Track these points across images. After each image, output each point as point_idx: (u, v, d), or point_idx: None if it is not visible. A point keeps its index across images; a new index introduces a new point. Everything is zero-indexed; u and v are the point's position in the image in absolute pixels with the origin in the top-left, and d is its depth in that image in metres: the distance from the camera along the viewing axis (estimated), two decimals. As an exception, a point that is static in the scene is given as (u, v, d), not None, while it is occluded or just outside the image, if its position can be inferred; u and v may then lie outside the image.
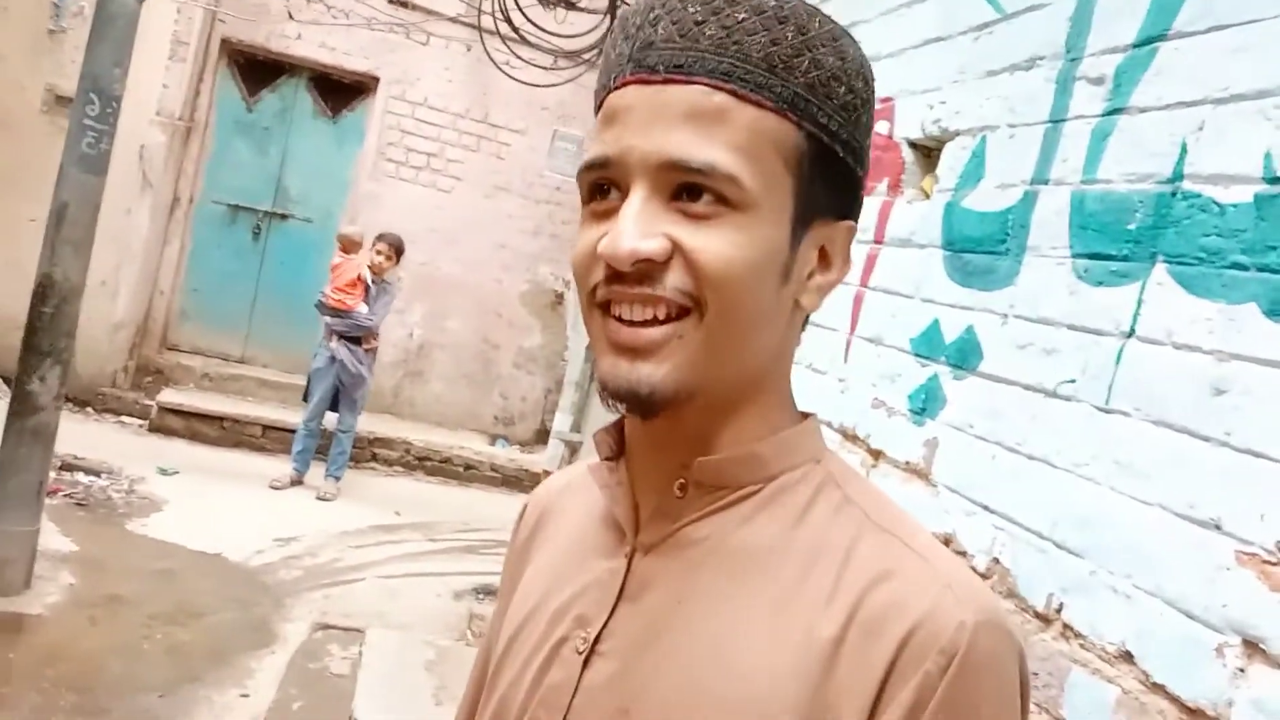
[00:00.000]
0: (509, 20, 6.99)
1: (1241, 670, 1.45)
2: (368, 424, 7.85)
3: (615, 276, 0.73)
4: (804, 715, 0.70)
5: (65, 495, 5.69)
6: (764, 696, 0.71)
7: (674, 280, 0.72)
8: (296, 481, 7.03)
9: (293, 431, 7.29)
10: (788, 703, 0.70)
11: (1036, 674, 1.79)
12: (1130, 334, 1.77)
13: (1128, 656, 1.64)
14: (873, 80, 0.80)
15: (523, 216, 8.93)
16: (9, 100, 7.37)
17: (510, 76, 7.72)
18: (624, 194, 0.74)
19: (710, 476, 0.79)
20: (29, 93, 7.41)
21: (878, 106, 0.85)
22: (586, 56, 7.17)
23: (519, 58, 7.35)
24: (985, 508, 2.05)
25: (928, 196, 2.51)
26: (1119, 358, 1.78)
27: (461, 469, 8.33)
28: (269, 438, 7.79)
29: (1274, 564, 1.43)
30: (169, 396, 7.75)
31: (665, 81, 0.73)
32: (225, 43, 8.25)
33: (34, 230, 4.85)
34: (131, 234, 7.68)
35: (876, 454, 2.49)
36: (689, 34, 0.73)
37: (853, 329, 2.66)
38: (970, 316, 2.22)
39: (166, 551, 5.33)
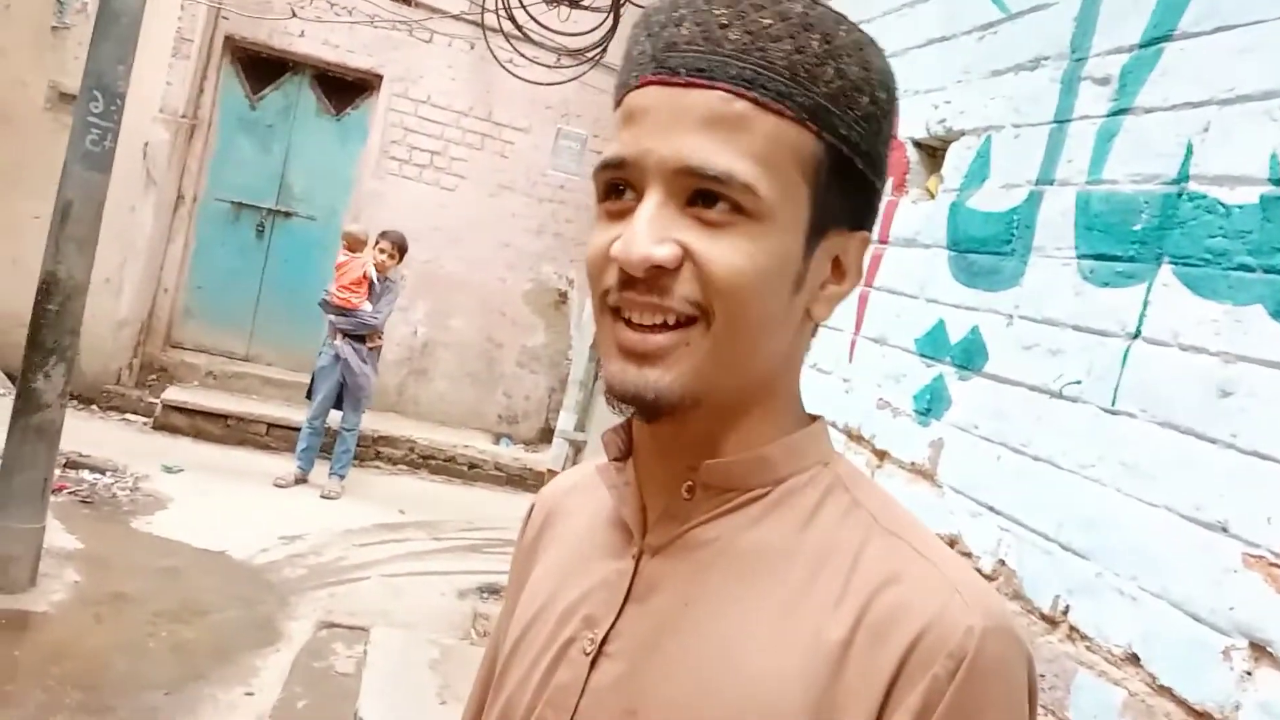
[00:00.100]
0: (512, 18, 6.99)
1: (1248, 673, 1.44)
2: (372, 422, 7.86)
3: (627, 283, 0.73)
4: (811, 718, 0.70)
5: (70, 493, 5.70)
6: (771, 699, 0.71)
7: (683, 290, 0.72)
8: (301, 480, 7.03)
9: (297, 430, 7.29)
10: (795, 705, 0.70)
11: (1043, 675, 1.79)
12: (1136, 335, 1.77)
13: (1134, 659, 1.64)
14: (895, 89, 0.79)
15: (526, 215, 8.93)
16: (12, 97, 7.37)
17: (514, 74, 7.72)
18: (639, 195, 0.74)
19: (718, 479, 0.79)
20: (32, 89, 7.42)
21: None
22: (590, 55, 7.17)
23: (523, 56, 7.34)
24: (991, 509, 2.05)
25: (933, 196, 2.50)
26: (1125, 359, 1.78)
27: (465, 468, 8.34)
28: (273, 436, 7.80)
29: (1280, 566, 1.43)
30: (173, 394, 7.76)
31: (686, 85, 0.72)
32: (229, 40, 8.25)
33: (38, 227, 4.86)
34: (136, 231, 7.69)
35: (881, 454, 2.49)
36: (713, 37, 0.72)
37: (858, 329, 2.66)
38: (975, 317, 2.22)
39: (171, 549, 5.34)
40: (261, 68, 8.50)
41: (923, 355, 2.38)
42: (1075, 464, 1.84)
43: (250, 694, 4.01)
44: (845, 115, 0.74)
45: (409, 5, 8.34)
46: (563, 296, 9.13)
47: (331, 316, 6.90)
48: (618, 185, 0.76)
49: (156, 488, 6.23)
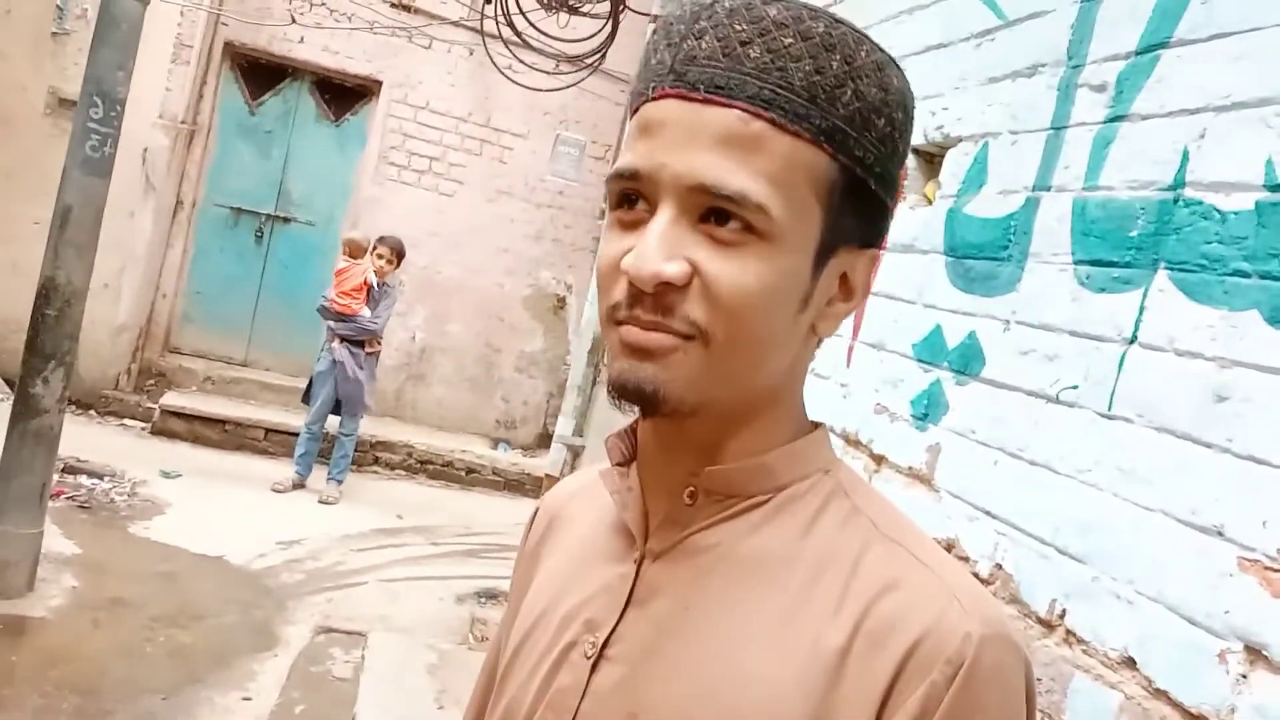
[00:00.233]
0: (511, 24, 7.00)
1: (1244, 677, 1.45)
2: (370, 427, 7.86)
3: (635, 300, 0.73)
4: None
5: (68, 498, 5.70)
6: (770, 704, 0.72)
7: (687, 309, 0.72)
8: (298, 485, 7.03)
9: (295, 435, 7.29)
10: (794, 711, 0.71)
11: (1040, 679, 1.79)
12: (1132, 340, 1.78)
13: (1130, 662, 1.64)
14: (913, 109, 0.79)
15: (525, 221, 8.94)
16: (12, 102, 7.38)
17: (512, 81, 7.73)
18: (652, 208, 0.74)
19: (720, 485, 0.80)
20: (32, 94, 7.42)
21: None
22: (589, 61, 7.18)
23: (521, 62, 7.36)
24: (988, 513, 2.06)
25: (930, 202, 2.51)
26: (1121, 364, 1.79)
27: (463, 473, 8.34)
28: (271, 441, 7.80)
29: (1276, 570, 1.44)
30: (171, 399, 7.76)
31: (705, 101, 0.72)
32: (228, 46, 8.26)
33: (37, 233, 4.86)
34: (135, 237, 7.69)
35: (879, 459, 2.49)
36: (733, 54, 0.72)
37: (855, 334, 2.67)
38: (972, 322, 2.23)
39: (169, 554, 5.33)
40: (261, 74, 8.51)
41: (920, 360, 2.39)
42: (1072, 468, 1.85)
43: (248, 699, 4.01)
44: (862, 137, 0.74)
45: (408, 11, 8.35)
46: (561, 302, 9.14)
47: (330, 322, 6.91)
48: (631, 196, 0.76)
49: (154, 493, 6.23)
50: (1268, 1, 1.64)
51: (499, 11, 6.99)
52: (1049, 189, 2.08)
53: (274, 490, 6.89)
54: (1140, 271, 1.79)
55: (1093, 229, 1.92)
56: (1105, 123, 1.95)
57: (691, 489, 0.81)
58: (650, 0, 5.11)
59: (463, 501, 7.86)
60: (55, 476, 4.96)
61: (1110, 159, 1.92)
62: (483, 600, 5.54)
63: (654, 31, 0.79)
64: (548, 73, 7.56)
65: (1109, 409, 1.79)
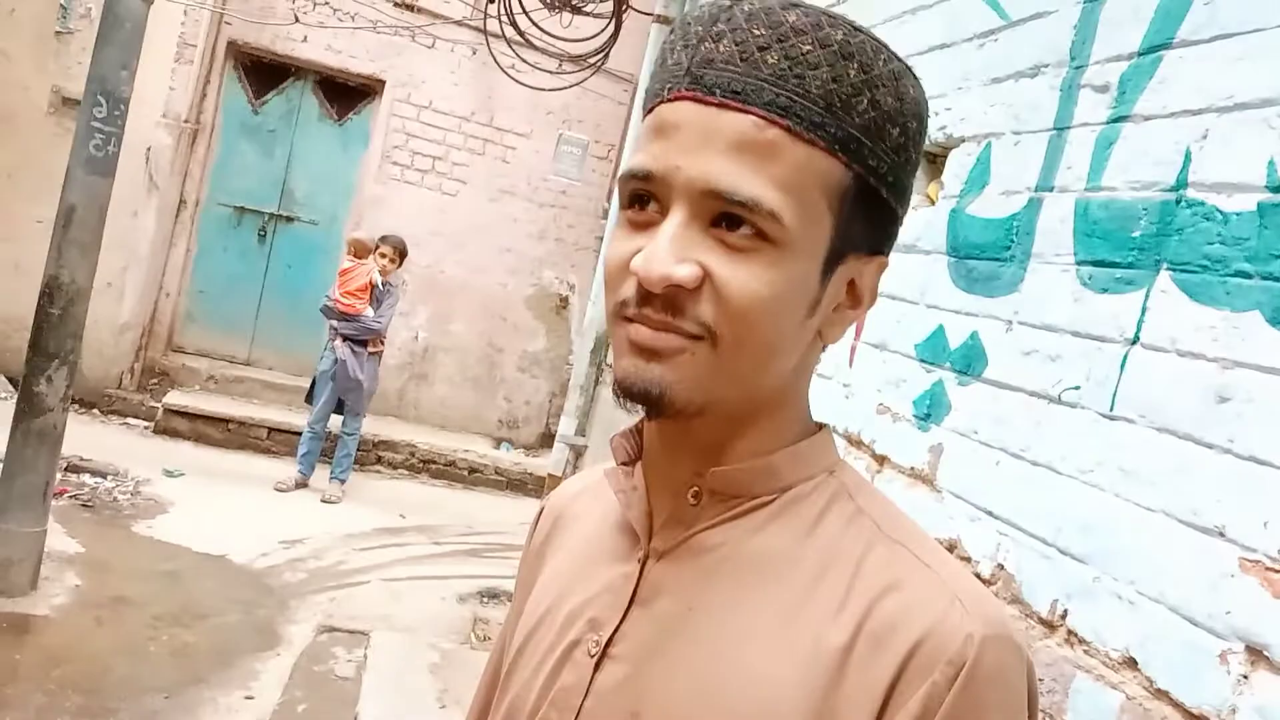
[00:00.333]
0: (514, 24, 7.01)
1: (1245, 677, 1.45)
2: (372, 426, 7.87)
3: (645, 299, 0.73)
4: None
5: (71, 497, 5.71)
6: (772, 703, 0.72)
7: (697, 311, 0.72)
8: (301, 484, 7.04)
9: (298, 434, 7.30)
10: (795, 710, 0.71)
11: (1042, 679, 1.79)
12: (1134, 341, 1.78)
13: (1132, 663, 1.65)
14: (927, 118, 0.79)
15: (528, 220, 8.95)
16: (15, 101, 7.39)
17: (516, 80, 7.74)
18: (664, 210, 0.74)
19: (724, 486, 0.80)
20: (35, 94, 7.43)
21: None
22: (592, 61, 7.19)
23: (524, 61, 7.37)
24: (990, 513, 2.06)
25: (933, 203, 2.52)
26: (1123, 365, 1.79)
27: (466, 472, 8.34)
28: (274, 440, 7.81)
29: (1277, 571, 1.44)
30: (175, 398, 7.77)
31: (720, 105, 0.72)
32: (231, 45, 8.27)
33: (41, 232, 4.87)
34: (138, 236, 7.70)
35: (881, 459, 2.49)
36: (751, 59, 0.71)
37: (858, 335, 2.67)
38: (975, 323, 2.23)
39: (172, 553, 5.34)
40: (264, 73, 8.52)
41: (923, 361, 2.39)
42: (1074, 469, 1.85)
43: (250, 697, 4.01)
44: (876, 147, 0.74)
45: (411, 11, 8.36)
46: (564, 301, 9.14)
47: (334, 322, 6.92)
48: (642, 196, 0.76)
49: (157, 492, 6.23)
50: (1270, 2, 1.64)
51: (502, 11, 7.00)
52: (1051, 189, 2.08)
53: (277, 489, 6.90)
54: (1142, 272, 1.79)
55: (1095, 229, 1.93)
56: (1108, 123, 1.96)
57: (696, 489, 0.81)
58: (653, 0, 5.11)
59: (465, 501, 7.87)
60: (58, 475, 4.97)
61: (1113, 160, 1.92)
62: (485, 600, 5.54)
63: (671, 31, 0.78)
64: (551, 72, 7.57)
65: (1111, 409, 1.80)
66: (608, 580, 0.84)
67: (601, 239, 7.00)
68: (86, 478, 6.09)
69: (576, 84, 7.68)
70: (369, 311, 6.90)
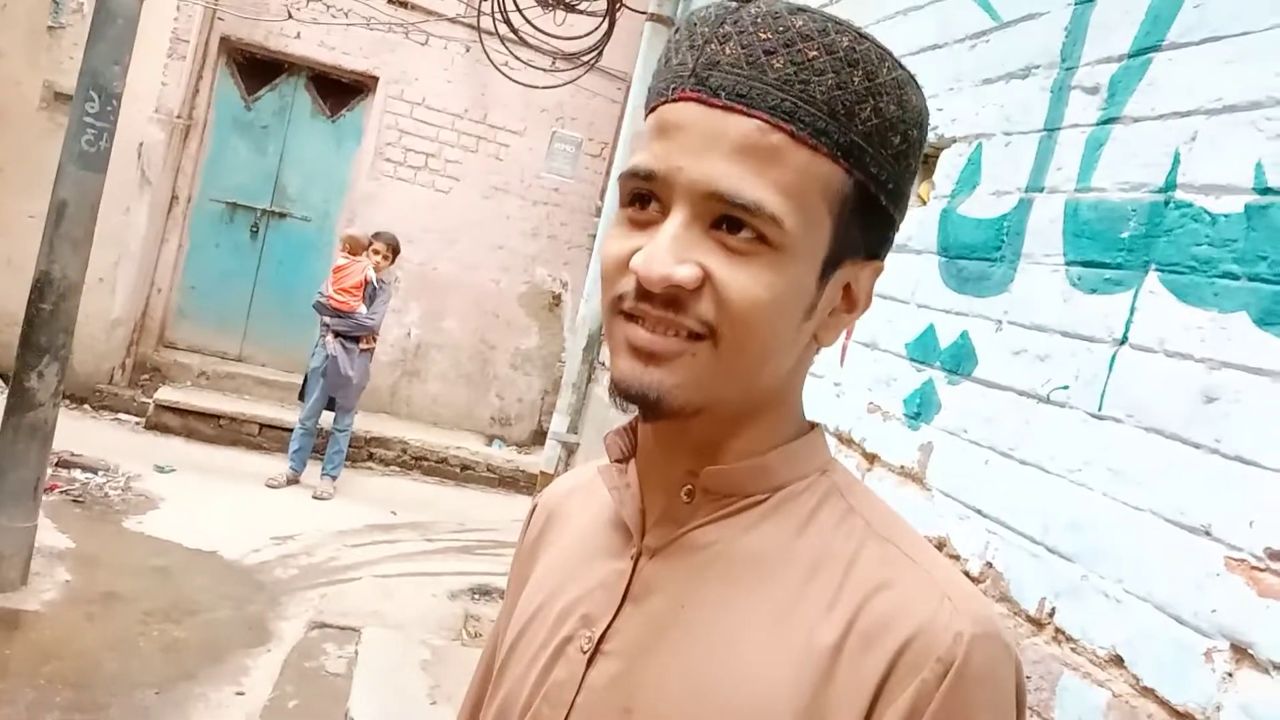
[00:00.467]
0: (508, 21, 7.00)
1: (1230, 675, 1.46)
2: (364, 423, 7.86)
3: (644, 294, 0.73)
4: (803, 719, 0.71)
5: (62, 492, 5.70)
6: (763, 700, 0.72)
7: (699, 311, 0.73)
8: (293, 480, 7.04)
9: (289, 430, 7.30)
10: (786, 707, 0.72)
11: (1029, 677, 1.81)
12: (1123, 341, 1.79)
13: (1118, 660, 1.66)
14: (927, 126, 0.80)
15: (521, 218, 8.94)
16: (7, 96, 7.37)
17: (509, 78, 7.73)
18: (665, 210, 0.74)
19: (719, 485, 0.81)
20: (27, 89, 7.41)
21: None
22: (585, 58, 7.19)
23: (518, 59, 7.36)
24: (979, 512, 2.07)
25: (924, 203, 2.53)
26: (1111, 365, 1.80)
27: (458, 469, 8.34)
28: (266, 436, 7.80)
29: (1262, 570, 1.45)
30: (166, 394, 7.76)
31: (725, 108, 0.72)
32: (224, 41, 8.25)
33: (33, 227, 4.87)
34: (130, 231, 7.68)
35: (871, 458, 2.50)
36: (757, 62, 0.72)
37: (849, 334, 2.68)
38: (965, 322, 2.24)
39: (163, 549, 5.34)
40: (257, 69, 8.50)
41: (913, 360, 2.40)
42: (1062, 468, 1.86)
43: (241, 693, 4.01)
44: (878, 154, 0.74)
45: (405, 8, 8.35)
46: (556, 299, 9.15)
47: (327, 318, 6.91)
48: (643, 195, 0.76)
49: (148, 487, 6.23)
50: (1259, 5, 1.65)
51: (495, 8, 6.99)
52: (1042, 190, 2.09)
53: (268, 485, 6.90)
54: (1131, 273, 1.80)
55: (1084, 230, 1.94)
56: (1098, 125, 1.97)
57: (689, 487, 0.81)
58: (647, -2, 5.11)
59: (457, 498, 7.87)
60: (49, 470, 4.96)
61: (1102, 161, 1.93)
62: (477, 596, 5.54)
63: (675, 30, 0.78)
64: (544, 70, 7.57)
65: (1099, 409, 1.81)
66: (601, 577, 0.85)
67: (595, 237, 7.00)
68: (77, 473, 6.08)
69: (570, 82, 7.68)
70: (362, 308, 6.90)
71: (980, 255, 2.24)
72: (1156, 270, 1.75)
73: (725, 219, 0.72)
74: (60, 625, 4.21)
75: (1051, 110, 2.11)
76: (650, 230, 0.74)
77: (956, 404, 2.22)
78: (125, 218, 7.56)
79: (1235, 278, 1.59)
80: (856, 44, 0.73)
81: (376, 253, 6.95)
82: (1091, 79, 2.00)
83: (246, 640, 4.52)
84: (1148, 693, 1.59)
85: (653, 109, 0.77)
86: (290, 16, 8.01)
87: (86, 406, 7.65)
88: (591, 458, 0.93)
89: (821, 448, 0.85)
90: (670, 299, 0.73)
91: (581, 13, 6.84)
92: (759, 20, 0.73)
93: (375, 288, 6.97)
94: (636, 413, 0.79)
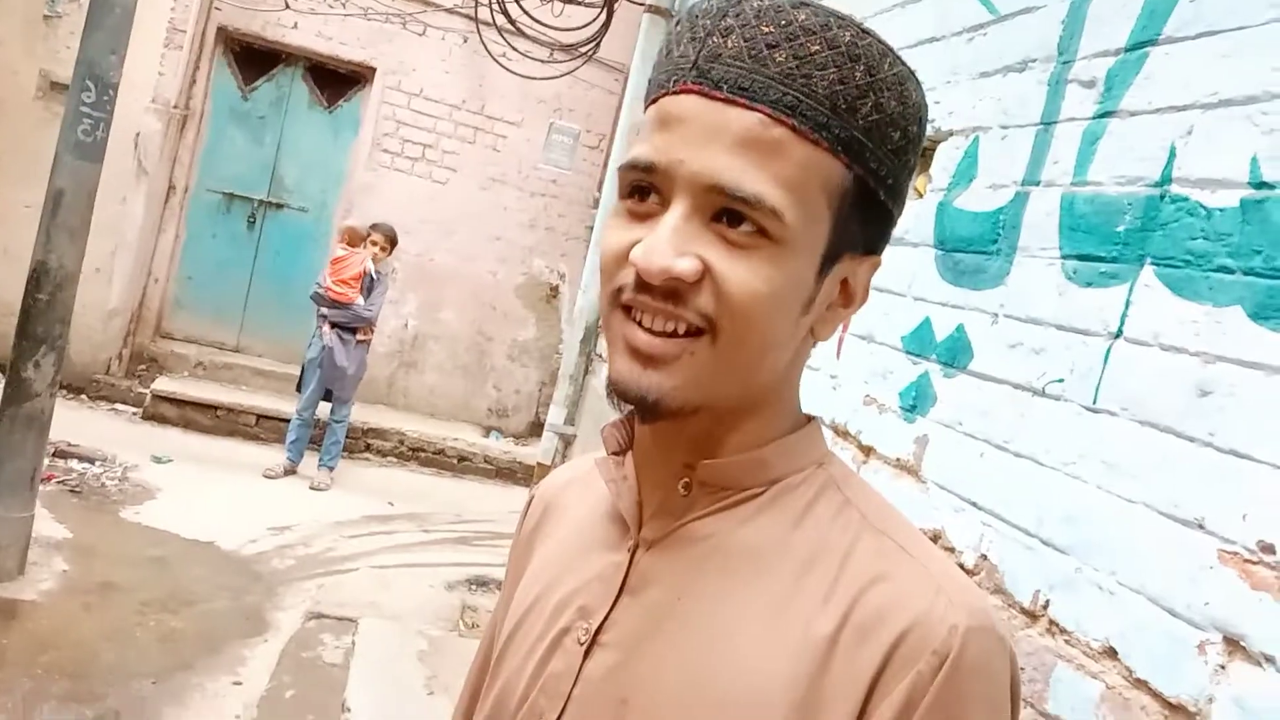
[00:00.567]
0: (506, 12, 6.99)
1: (1222, 667, 1.47)
2: (361, 414, 7.87)
3: (643, 286, 0.73)
4: (799, 710, 0.71)
5: (59, 482, 5.70)
6: (759, 691, 0.73)
7: (698, 304, 0.73)
8: (290, 471, 7.04)
9: (286, 421, 7.30)
10: (782, 698, 0.72)
11: (1023, 669, 1.81)
12: (1118, 335, 1.79)
13: (1112, 653, 1.67)
14: (926, 122, 0.80)
15: (518, 209, 8.94)
16: (3, 86, 7.34)
17: (507, 69, 7.72)
18: (665, 202, 0.74)
19: (715, 478, 0.81)
20: (23, 78, 7.39)
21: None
22: (583, 50, 7.18)
23: (516, 50, 7.35)
24: (974, 504, 2.08)
25: (921, 196, 2.53)
26: (1106, 358, 1.81)
27: (455, 460, 8.35)
28: (263, 427, 7.80)
29: (1255, 563, 1.46)
30: (163, 384, 7.75)
31: (727, 101, 0.72)
32: (221, 31, 8.23)
33: (29, 216, 4.85)
34: (126, 221, 7.67)
35: (867, 450, 2.51)
36: (759, 56, 0.72)
37: (845, 327, 2.68)
38: (961, 315, 2.24)
39: (160, 539, 5.34)
40: (254, 59, 8.48)
41: (909, 353, 2.41)
42: (1057, 461, 1.87)
43: (238, 683, 4.02)
44: (878, 149, 0.74)
45: (402, -2, 8.34)
46: (554, 291, 9.15)
47: (324, 309, 6.91)
48: (643, 187, 0.76)
49: (145, 478, 6.23)
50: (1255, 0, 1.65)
51: (493, -1, 6.98)
52: (1038, 184, 2.09)
53: (265, 476, 6.90)
54: (1126, 266, 1.81)
55: (1080, 224, 1.94)
56: (1094, 118, 1.97)
57: (687, 480, 0.82)
58: (645, -11, 5.10)
59: (454, 489, 7.87)
60: (46, 461, 4.96)
61: (1099, 155, 1.94)
62: (473, 587, 5.56)
63: (677, 22, 0.78)
64: (542, 61, 7.56)
65: (1094, 402, 1.81)
66: (598, 569, 0.85)
67: (592, 228, 6.99)
68: (74, 463, 6.08)
69: (568, 73, 7.67)
70: (360, 300, 6.89)
71: (976, 248, 2.24)
72: (1152, 264, 1.75)
73: (725, 212, 0.72)
74: (57, 615, 4.22)
75: (1048, 104, 2.11)
76: (650, 222, 0.74)
77: (952, 397, 2.22)
78: (122, 208, 7.55)
79: (1230, 272, 1.60)
80: (858, 39, 0.73)
81: (374, 244, 6.95)
82: (1088, 73, 2.01)
83: (243, 630, 4.53)
84: (1141, 684, 1.59)
85: (653, 101, 0.77)
86: (287, 6, 8.00)
87: (83, 397, 7.65)
88: (588, 449, 0.93)
89: (818, 441, 0.85)
90: (670, 291, 0.73)
91: (579, 3, 6.84)
92: (761, 13, 0.73)
93: (373, 279, 6.97)
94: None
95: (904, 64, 0.76)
